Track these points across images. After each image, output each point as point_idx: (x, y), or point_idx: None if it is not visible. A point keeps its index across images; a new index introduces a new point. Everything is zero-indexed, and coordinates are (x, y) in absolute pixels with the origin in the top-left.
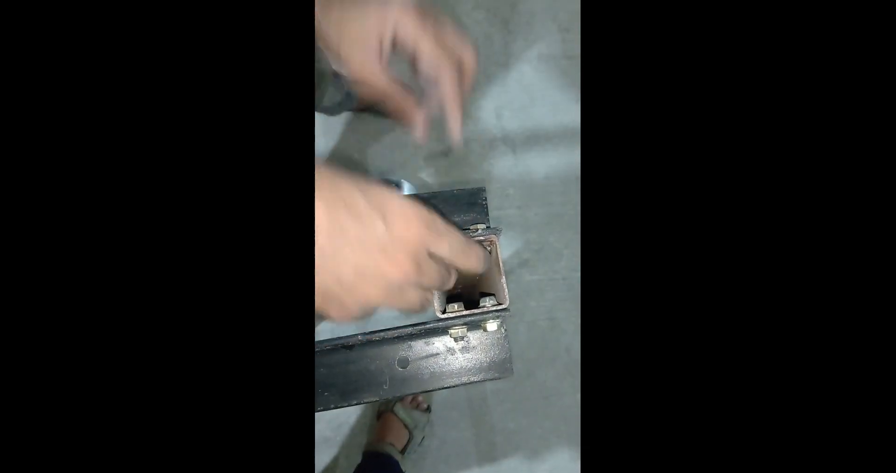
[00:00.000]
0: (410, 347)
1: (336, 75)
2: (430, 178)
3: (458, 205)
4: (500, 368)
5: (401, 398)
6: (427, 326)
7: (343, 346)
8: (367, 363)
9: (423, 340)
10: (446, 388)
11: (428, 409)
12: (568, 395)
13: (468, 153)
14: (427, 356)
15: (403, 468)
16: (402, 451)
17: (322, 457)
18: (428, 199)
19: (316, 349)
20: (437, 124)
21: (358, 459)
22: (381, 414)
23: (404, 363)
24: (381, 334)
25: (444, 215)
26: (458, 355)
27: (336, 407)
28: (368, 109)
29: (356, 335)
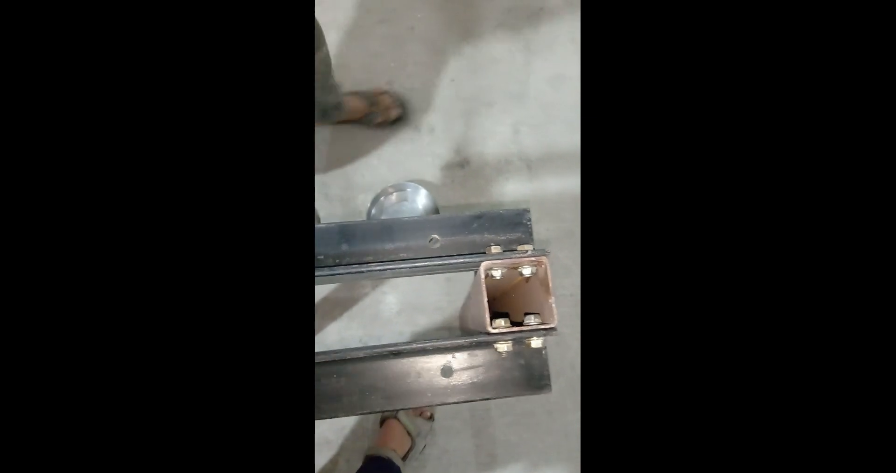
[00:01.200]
0: (455, 357)
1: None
2: (445, 188)
3: (503, 225)
4: (538, 384)
5: None
6: (475, 339)
7: (392, 353)
8: (412, 369)
9: (469, 351)
10: (487, 400)
11: (431, 417)
12: (571, 411)
13: (484, 166)
14: (470, 367)
15: None
16: (404, 458)
17: (321, 459)
18: (476, 218)
19: (364, 355)
20: (456, 136)
21: (358, 463)
22: (385, 420)
23: (448, 372)
24: (432, 343)
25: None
26: (500, 368)
27: (381, 411)
28: (357, 121)
29: (410, 342)
